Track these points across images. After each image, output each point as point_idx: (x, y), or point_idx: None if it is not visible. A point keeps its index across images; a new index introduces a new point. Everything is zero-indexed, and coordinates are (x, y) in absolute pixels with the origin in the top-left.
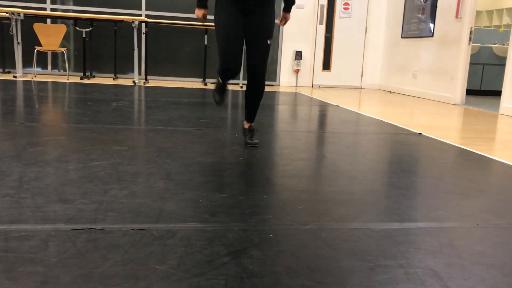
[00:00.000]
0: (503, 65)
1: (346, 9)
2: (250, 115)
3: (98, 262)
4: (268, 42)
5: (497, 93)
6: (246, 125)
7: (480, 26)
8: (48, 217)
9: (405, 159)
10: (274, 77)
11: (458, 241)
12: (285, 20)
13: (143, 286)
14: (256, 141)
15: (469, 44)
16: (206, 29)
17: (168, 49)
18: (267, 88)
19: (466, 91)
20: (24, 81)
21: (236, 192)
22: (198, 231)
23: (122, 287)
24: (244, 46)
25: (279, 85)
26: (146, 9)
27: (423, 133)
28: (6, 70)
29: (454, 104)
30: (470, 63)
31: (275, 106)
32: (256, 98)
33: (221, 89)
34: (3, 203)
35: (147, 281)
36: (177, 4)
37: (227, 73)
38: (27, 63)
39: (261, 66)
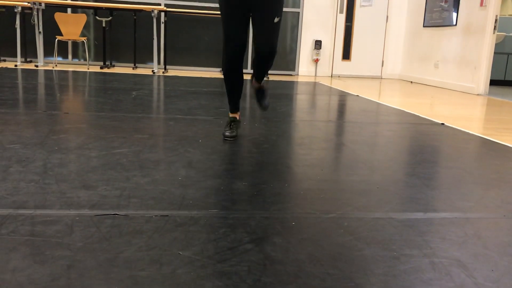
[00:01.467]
0: None
1: None
2: (258, 76)
3: (123, 247)
4: (275, 19)
5: None
6: (256, 84)
7: (505, 15)
8: (72, 203)
9: (428, 149)
10: (293, 66)
11: (484, 232)
12: None
13: (168, 271)
14: (267, 103)
15: (494, 33)
16: None
17: (187, 38)
18: (286, 78)
19: (490, 81)
20: (46, 70)
21: (257, 181)
22: (220, 218)
23: (146, 271)
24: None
25: (298, 74)
26: None
27: (445, 124)
28: (28, 59)
29: (477, 95)
30: (495, 53)
31: (294, 96)
32: (263, 69)
33: (231, 109)
34: (28, 189)
35: (172, 266)
36: None
37: (232, 59)
38: (48, 52)
39: (268, 44)
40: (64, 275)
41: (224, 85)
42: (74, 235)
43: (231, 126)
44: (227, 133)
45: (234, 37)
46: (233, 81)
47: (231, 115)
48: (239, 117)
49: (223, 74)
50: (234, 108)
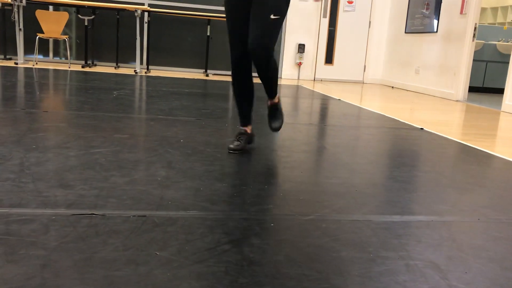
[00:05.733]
0: (507, 62)
1: (350, 2)
2: (266, 91)
3: (99, 247)
4: (272, 16)
5: (500, 91)
6: (267, 101)
7: (485, 23)
8: (49, 202)
9: (407, 153)
10: None
11: (459, 235)
12: None
13: (144, 271)
14: (277, 125)
15: (473, 40)
16: (209, 19)
17: (170, 39)
18: None
19: (469, 88)
20: (25, 68)
21: (237, 182)
22: (199, 219)
23: (122, 272)
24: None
25: (281, 77)
26: None
27: (425, 128)
28: (8, 56)
29: (456, 101)
30: (473, 60)
31: None
32: (264, 79)
33: (240, 120)
34: (4, 187)
35: (148, 266)
36: None
37: (237, 61)
38: (28, 50)
39: (258, 43)
40: (38, 275)
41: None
42: (50, 235)
43: (238, 138)
44: (230, 145)
45: (236, 41)
46: (239, 90)
47: (241, 127)
48: (251, 131)
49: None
50: (244, 120)
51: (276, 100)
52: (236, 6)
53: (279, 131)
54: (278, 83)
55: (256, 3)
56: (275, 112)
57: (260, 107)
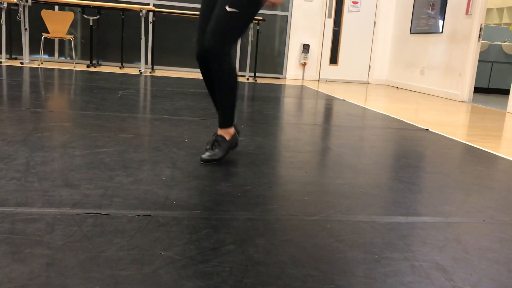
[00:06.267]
0: None
1: (355, 3)
2: (218, 115)
3: (104, 247)
4: (227, 8)
5: (505, 92)
6: (217, 131)
7: (490, 24)
8: (54, 201)
9: (412, 154)
10: (280, 69)
11: (464, 236)
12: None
13: (149, 270)
14: (207, 155)
15: (478, 41)
16: None
17: (175, 39)
18: (273, 81)
19: (474, 89)
20: (31, 68)
21: (241, 182)
22: (204, 219)
23: (128, 271)
24: None
25: (285, 77)
26: None
27: (430, 129)
28: (13, 56)
29: (462, 102)
30: (479, 61)
31: (281, 99)
32: (216, 86)
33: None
34: (9, 186)
35: (153, 266)
36: None
37: (198, 60)
38: (34, 50)
39: (209, 37)
40: (43, 274)
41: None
42: (55, 234)
43: (210, 146)
44: (202, 155)
45: (197, 38)
46: (208, 89)
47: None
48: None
49: None
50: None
51: (223, 133)
52: (205, 2)
53: (206, 163)
54: (283, 83)
55: None
56: (214, 143)
57: (263, 107)
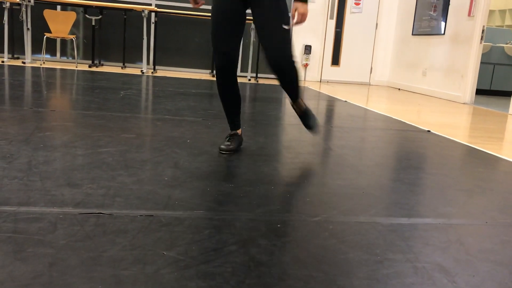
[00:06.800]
0: None
1: (357, 4)
2: (288, 95)
3: (106, 246)
4: (284, 27)
5: (507, 94)
6: (293, 105)
7: (492, 26)
8: (56, 201)
9: (414, 155)
10: None
11: (467, 238)
12: (298, 13)
13: (151, 270)
14: (311, 124)
15: (480, 43)
16: None
17: (177, 39)
18: (275, 82)
19: (476, 91)
20: (33, 67)
21: (243, 183)
22: (206, 219)
23: (130, 271)
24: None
25: None
26: None
27: (431, 131)
28: (15, 55)
29: (464, 103)
30: (481, 63)
31: (282, 100)
32: (285, 87)
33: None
34: (12, 185)
35: (155, 266)
36: None
37: (221, 70)
38: (36, 49)
39: (281, 54)
40: (45, 273)
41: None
42: (57, 233)
43: (229, 139)
44: (222, 146)
45: (222, 49)
46: (225, 97)
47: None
48: (240, 133)
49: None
50: (232, 126)
51: (300, 102)
52: (226, 12)
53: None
54: None
55: (260, 11)
56: (305, 113)
57: (265, 108)
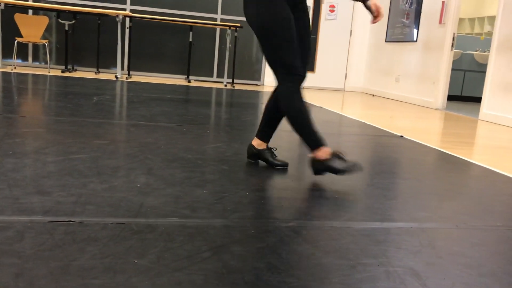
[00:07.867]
0: (484, 72)
1: (332, 11)
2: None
3: (76, 255)
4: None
5: (477, 100)
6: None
7: (463, 33)
8: (25, 209)
9: (387, 160)
10: (258, 76)
11: (438, 242)
12: (376, 7)
13: (122, 279)
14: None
15: (451, 49)
16: (191, 26)
17: (152, 45)
18: (251, 88)
19: (448, 96)
20: (4, 73)
21: (217, 189)
22: (179, 226)
23: (100, 280)
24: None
25: (263, 84)
26: (131, 4)
27: (404, 136)
28: None
29: (436, 109)
30: (452, 69)
31: (258, 105)
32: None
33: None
34: None
35: (126, 274)
36: (163, 0)
37: (298, 79)
38: (7, 54)
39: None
40: (11, 284)
41: (301, 122)
42: (25, 242)
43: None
44: (277, 162)
45: (299, 62)
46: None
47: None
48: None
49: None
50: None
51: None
52: (291, 19)
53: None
54: (260, 90)
55: (302, 21)
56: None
57: (241, 113)
